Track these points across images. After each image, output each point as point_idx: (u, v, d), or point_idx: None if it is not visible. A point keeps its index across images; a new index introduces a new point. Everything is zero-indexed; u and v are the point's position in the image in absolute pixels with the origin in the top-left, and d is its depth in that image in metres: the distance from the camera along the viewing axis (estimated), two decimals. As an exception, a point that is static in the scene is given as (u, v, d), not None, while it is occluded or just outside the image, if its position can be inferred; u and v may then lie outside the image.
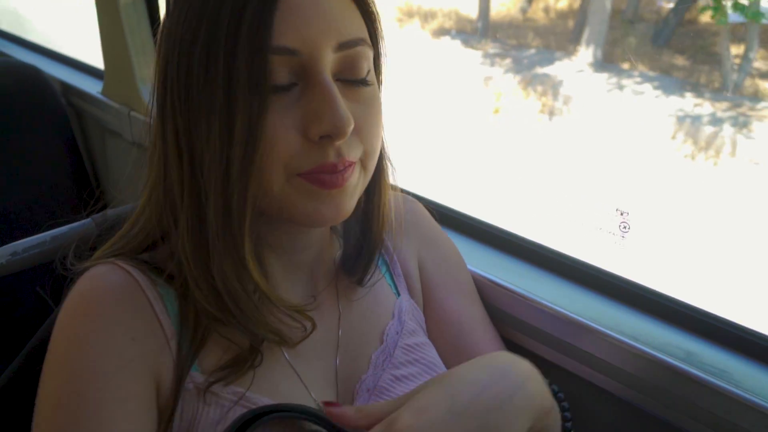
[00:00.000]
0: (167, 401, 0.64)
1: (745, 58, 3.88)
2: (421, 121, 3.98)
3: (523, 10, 5.54)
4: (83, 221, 0.96)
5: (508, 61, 5.34)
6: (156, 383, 0.64)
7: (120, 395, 0.61)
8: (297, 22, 0.58)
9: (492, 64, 5.32)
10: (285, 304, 0.65)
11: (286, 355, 0.69)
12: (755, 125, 3.89)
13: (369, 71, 0.64)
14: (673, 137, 4.02)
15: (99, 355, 0.61)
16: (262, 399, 0.66)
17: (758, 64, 3.78)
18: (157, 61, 0.64)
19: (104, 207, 0.97)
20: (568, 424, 0.63)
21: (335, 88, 0.60)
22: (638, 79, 4.54)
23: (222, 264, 0.60)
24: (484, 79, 5.14)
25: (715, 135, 3.89)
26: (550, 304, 0.87)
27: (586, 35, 5.01)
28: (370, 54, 0.65)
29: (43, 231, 0.96)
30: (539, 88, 4.84)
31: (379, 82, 0.70)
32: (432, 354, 0.80)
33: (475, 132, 4.40)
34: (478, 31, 5.64)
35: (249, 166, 0.58)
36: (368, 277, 0.78)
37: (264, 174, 0.59)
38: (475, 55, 5.47)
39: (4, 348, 1.42)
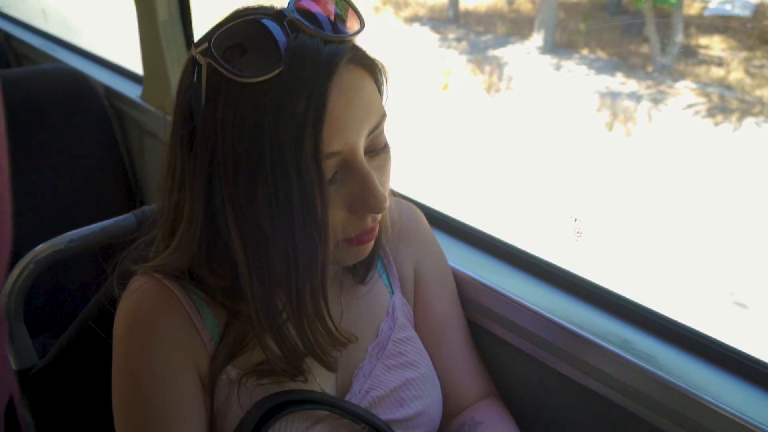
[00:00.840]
0: (206, 390, 0.67)
1: (671, 42, 3.82)
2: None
3: (509, 2, 5.29)
4: (125, 216, 1.00)
5: (464, 44, 5.20)
6: (199, 378, 0.66)
7: (179, 399, 0.64)
8: (340, 130, 0.56)
9: (448, 47, 5.18)
10: (347, 337, 0.67)
11: None
12: (670, 101, 3.89)
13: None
14: (599, 110, 4.00)
15: (155, 367, 0.63)
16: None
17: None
18: (177, 160, 0.62)
19: (141, 200, 0.98)
20: None
21: (373, 174, 0.59)
22: (578, 62, 4.49)
23: (310, 327, 0.62)
24: (440, 59, 5.01)
25: (631, 109, 3.88)
26: (516, 298, 0.88)
27: (536, 22, 4.87)
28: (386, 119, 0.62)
29: (87, 222, 0.99)
30: (487, 68, 4.75)
31: None
32: (419, 346, 0.81)
33: (424, 103, 4.31)
34: (449, 18, 5.45)
35: (325, 247, 0.58)
36: (369, 276, 0.79)
37: None
38: (437, 39, 5.31)
39: (62, 314, 1.45)
